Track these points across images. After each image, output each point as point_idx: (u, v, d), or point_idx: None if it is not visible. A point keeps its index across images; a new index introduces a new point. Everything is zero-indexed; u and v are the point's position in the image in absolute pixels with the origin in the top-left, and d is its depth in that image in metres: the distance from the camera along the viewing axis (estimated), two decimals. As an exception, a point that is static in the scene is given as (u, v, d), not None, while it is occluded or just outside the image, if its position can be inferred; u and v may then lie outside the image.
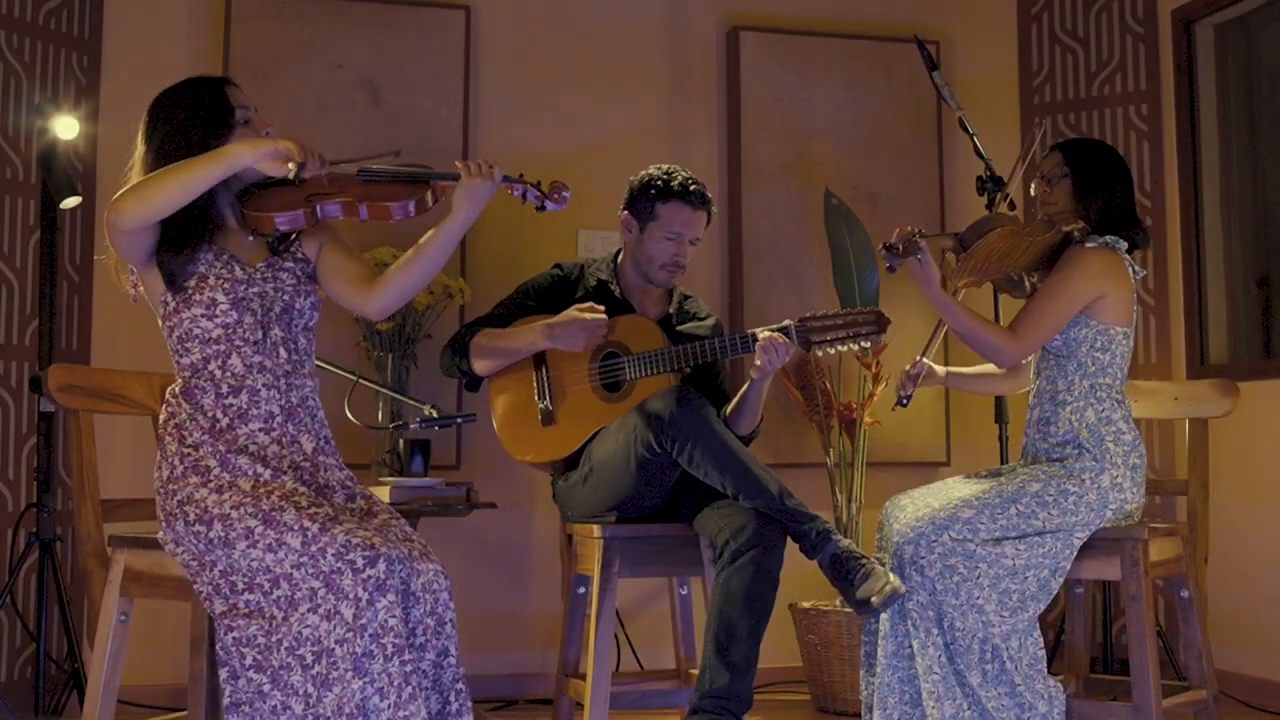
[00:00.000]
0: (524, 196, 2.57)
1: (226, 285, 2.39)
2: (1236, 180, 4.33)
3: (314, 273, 2.54)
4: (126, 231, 2.32)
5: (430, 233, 2.49)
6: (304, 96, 4.01)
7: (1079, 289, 2.86)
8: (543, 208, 2.59)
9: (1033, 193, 3.08)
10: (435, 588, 2.24)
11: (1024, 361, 3.06)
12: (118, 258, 2.46)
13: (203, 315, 2.37)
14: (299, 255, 2.52)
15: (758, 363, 3.01)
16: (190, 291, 2.38)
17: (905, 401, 3.09)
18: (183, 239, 2.38)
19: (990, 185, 3.40)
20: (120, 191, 2.32)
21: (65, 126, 3.66)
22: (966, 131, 3.44)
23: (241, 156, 2.30)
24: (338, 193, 2.43)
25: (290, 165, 2.30)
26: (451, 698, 2.25)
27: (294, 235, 2.51)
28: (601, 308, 3.09)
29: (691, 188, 3.19)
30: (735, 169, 4.37)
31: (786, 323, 3.04)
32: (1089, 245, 2.90)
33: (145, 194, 2.28)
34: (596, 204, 4.21)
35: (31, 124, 3.77)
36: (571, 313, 3.07)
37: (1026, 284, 3.05)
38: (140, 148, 2.45)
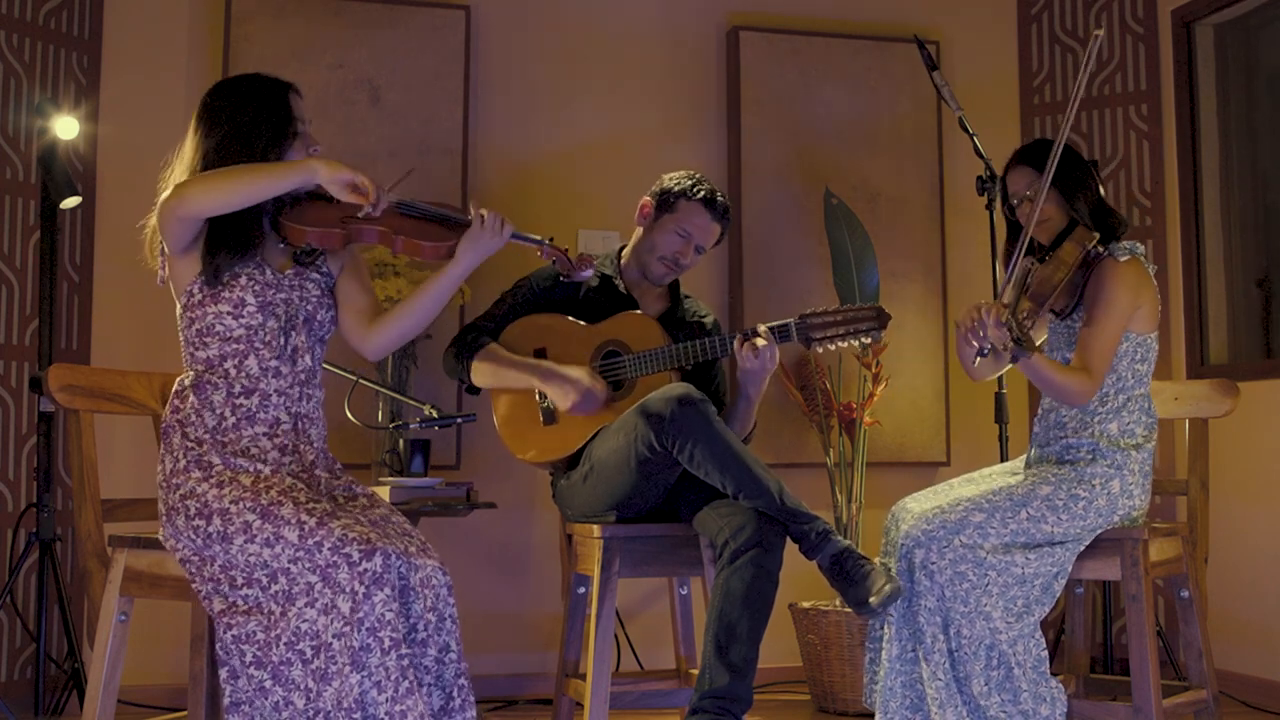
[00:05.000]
0: (541, 254, 2.63)
1: (257, 287, 2.40)
2: (1236, 180, 4.33)
3: (334, 288, 2.56)
4: (182, 219, 2.32)
5: (428, 280, 2.52)
6: (304, 96, 4.00)
7: (1124, 306, 2.81)
8: (568, 277, 2.68)
9: (1016, 214, 2.96)
10: (434, 583, 2.25)
11: None
12: (153, 235, 2.47)
13: (228, 313, 2.38)
14: (324, 269, 2.54)
15: (746, 366, 3.01)
16: (220, 288, 2.39)
17: (985, 352, 2.70)
18: (244, 243, 2.39)
19: (990, 185, 3.40)
20: (185, 180, 2.32)
21: (65, 126, 3.66)
22: (966, 131, 3.44)
23: (317, 175, 2.31)
24: (375, 221, 2.44)
25: (362, 202, 2.33)
26: (454, 693, 2.25)
27: (320, 251, 2.52)
28: (602, 384, 3.04)
29: (718, 199, 3.22)
30: (735, 169, 4.37)
31: (787, 320, 3.04)
32: (1121, 259, 2.85)
33: (216, 188, 2.29)
34: (596, 204, 4.21)
35: (31, 124, 3.77)
36: (584, 377, 3.01)
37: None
38: (194, 136, 2.45)
